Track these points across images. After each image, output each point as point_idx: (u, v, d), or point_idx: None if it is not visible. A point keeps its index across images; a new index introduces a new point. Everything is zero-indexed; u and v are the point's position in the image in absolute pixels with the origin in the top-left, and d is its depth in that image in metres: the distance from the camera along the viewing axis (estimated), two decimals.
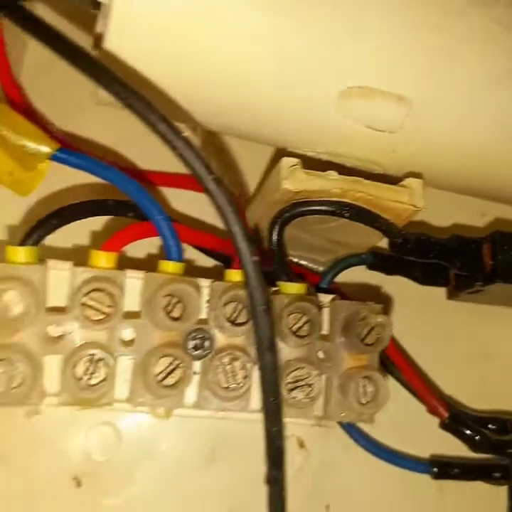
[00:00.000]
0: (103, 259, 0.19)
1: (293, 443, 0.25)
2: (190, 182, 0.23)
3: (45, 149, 0.19)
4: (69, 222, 0.19)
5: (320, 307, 0.20)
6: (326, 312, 0.21)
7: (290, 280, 0.21)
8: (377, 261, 0.25)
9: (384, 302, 0.22)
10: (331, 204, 0.20)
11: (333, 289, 0.24)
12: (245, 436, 0.24)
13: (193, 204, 0.24)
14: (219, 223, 0.23)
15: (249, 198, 0.25)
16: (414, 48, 0.19)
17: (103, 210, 0.20)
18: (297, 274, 0.24)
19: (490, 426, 0.24)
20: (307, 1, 0.18)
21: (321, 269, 0.26)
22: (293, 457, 0.25)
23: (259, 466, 0.22)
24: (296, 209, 0.21)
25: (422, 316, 0.27)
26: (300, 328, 0.20)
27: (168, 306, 0.18)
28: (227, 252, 0.22)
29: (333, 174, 0.20)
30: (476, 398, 0.26)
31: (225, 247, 0.22)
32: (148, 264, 0.20)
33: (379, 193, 0.21)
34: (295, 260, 0.25)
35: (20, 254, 0.18)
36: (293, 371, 0.19)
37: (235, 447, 0.24)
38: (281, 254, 0.21)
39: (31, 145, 0.19)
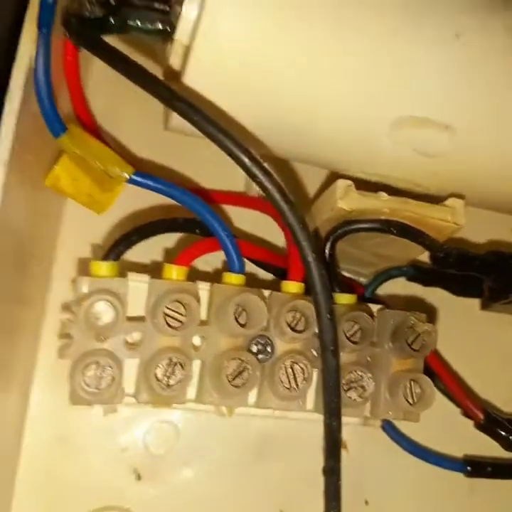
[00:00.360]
0: (175, 272, 0.21)
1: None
2: (250, 201, 0.26)
3: (123, 173, 0.21)
4: (145, 238, 0.21)
5: (372, 316, 0.22)
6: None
7: (342, 291, 0.23)
8: (416, 273, 0.27)
9: (425, 311, 0.24)
10: (380, 222, 0.22)
11: (375, 299, 0.26)
12: (296, 435, 0.26)
13: (251, 222, 0.26)
14: (274, 240, 0.26)
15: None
16: (459, 82, 0.21)
17: (174, 228, 0.22)
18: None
19: None
20: (373, 43, 0.20)
21: (362, 280, 0.28)
22: None
23: (308, 464, 0.24)
24: (348, 226, 0.23)
25: (457, 324, 0.29)
26: (353, 335, 0.22)
27: (235, 314, 0.20)
28: (282, 265, 0.24)
29: (383, 195, 0.22)
30: (509, 402, 0.28)
31: (280, 261, 0.24)
32: (212, 277, 0.22)
33: (424, 211, 0.23)
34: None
35: (105, 268, 0.20)
36: (348, 374, 0.21)
37: (285, 445, 0.26)
38: (333, 267, 0.23)
39: (111, 169, 0.21)
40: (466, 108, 0.22)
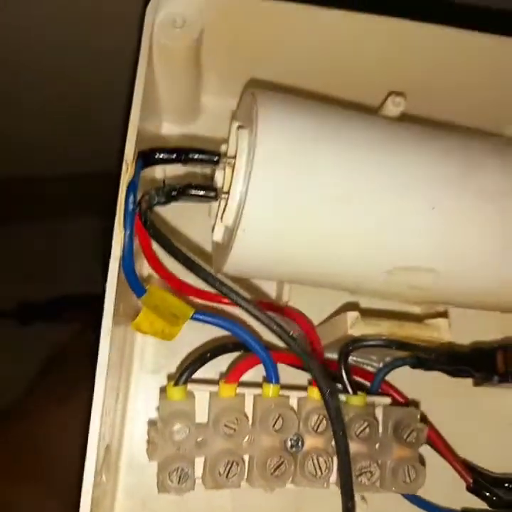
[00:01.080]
0: (227, 390, 0.28)
1: (357, 498, 0.34)
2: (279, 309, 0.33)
3: (187, 314, 0.29)
4: (206, 363, 0.29)
5: (376, 420, 0.29)
6: (380, 411, 0.30)
7: (354, 393, 0.30)
8: (417, 362, 0.33)
9: None
10: (383, 340, 0.29)
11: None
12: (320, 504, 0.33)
13: None
14: None
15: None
16: (439, 239, 0.28)
17: (225, 351, 0.30)
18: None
19: (506, 485, 0.33)
20: (373, 218, 0.27)
21: (374, 364, 0.35)
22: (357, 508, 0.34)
23: None
24: (358, 343, 0.30)
25: (453, 396, 0.35)
26: (363, 430, 0.29)
27: (273, 420, 0.28)
28: None
29: (383, 323, 0.29)
30: (498, 462, 0.34)
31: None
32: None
33: (416, 332, 0.29)
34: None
35: (177, 394, 0.28)
36: (359, 463, 0.28)
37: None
38: (348, 376, 0.30)
39: (177, 313, 0.29)
40: (446, 256, 0.28)
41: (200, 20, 0.31)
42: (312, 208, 0.27)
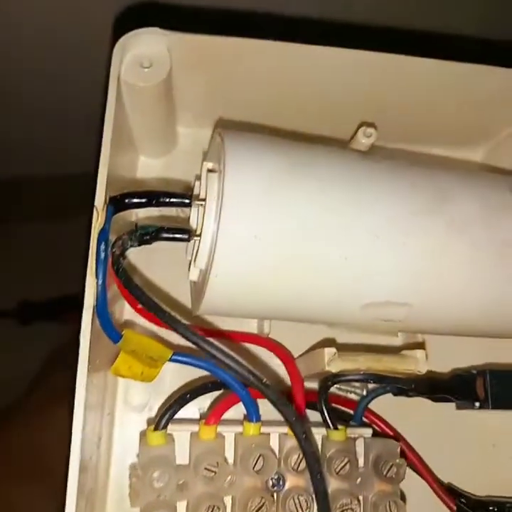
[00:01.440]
0: (208, 433, 0.28)
1: None
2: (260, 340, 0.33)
3: (164, 357, 0.29)
4: (184, 406, 0.29)
5: (356, 455, 0.29)
6: (361, 443, 0.31)
7: (335, 428, 0.30)
8: (399, 390, 0.34)
9: None
10: (360, 375, 0.30)
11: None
12: None
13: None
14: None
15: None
16: (411, 275, 0.28)
17: (204, 391, 0.30)
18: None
19: (491, 508, 0.33)
20: (348, 253, 0.27)
21: (358, 391, 0.35)
22: None
23: None
24: (336, 379, 0.30)
25: (435, 418, 0.35)
26: (343, 466, 0.29)
27: (254, 461, 0.28)
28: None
29: (360, 358, 0.29)
30: (481, 484, 0.35)
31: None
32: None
33: (394, 365, 0.30)
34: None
35: (157, 438, 0.28)
36: (340, 500, 0.28)
37: None
38: (328, 412, 0.30)
39: (155, 356, 0.29)
40: (419, 290, 0.28)
41: (167, 60, 0.31)
42: (284, 249, 0.27)
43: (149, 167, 0.37)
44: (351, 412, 0.33)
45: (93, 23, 0.43)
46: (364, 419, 0.33)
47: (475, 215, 0.29)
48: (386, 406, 0.34)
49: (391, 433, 0.32)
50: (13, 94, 0.51)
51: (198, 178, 0.31)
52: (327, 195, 0.27)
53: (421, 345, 0.31)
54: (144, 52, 0.30)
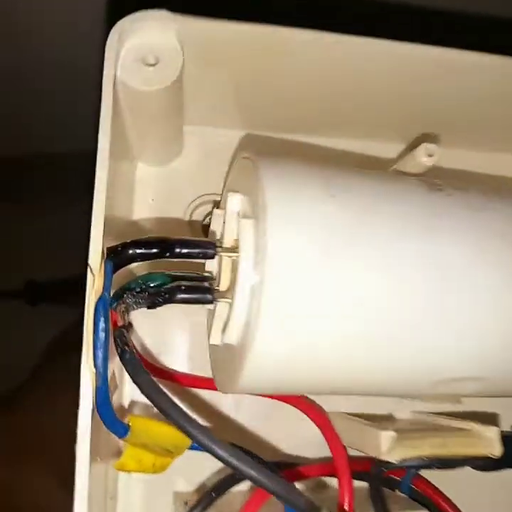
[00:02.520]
0: None
1: None
2: None
3: (179, 447, 0.23)
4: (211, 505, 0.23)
5: None
6: None
7: None
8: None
9: None
10: (422, 461, 0.24)
11: None
12: None
13: None
14: None
15: None
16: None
17: (233, 483, 0.24)
18: None
19: None
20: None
21: None
22: None
23: None
24: (391, 466, 0.24)
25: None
26: None
27: None
28: None
29: (425, 445, 0.23)
30: None
31: None
32: None
33: (462, 449, 0.24)
34: None
35: None
36: None
37: None
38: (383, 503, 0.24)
39: (170, 447, 0.23)
40: (493, 364, 0.23)
41: (179, 55, 0.23)
42: (343, 320, 0.20)
43: (149, 175, 0.30)
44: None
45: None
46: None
47: None
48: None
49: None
50: None
51: (216, 205, 0.24)
52: (397, 249, 0.21)
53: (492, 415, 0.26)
54: (148, 44, 0.23)
